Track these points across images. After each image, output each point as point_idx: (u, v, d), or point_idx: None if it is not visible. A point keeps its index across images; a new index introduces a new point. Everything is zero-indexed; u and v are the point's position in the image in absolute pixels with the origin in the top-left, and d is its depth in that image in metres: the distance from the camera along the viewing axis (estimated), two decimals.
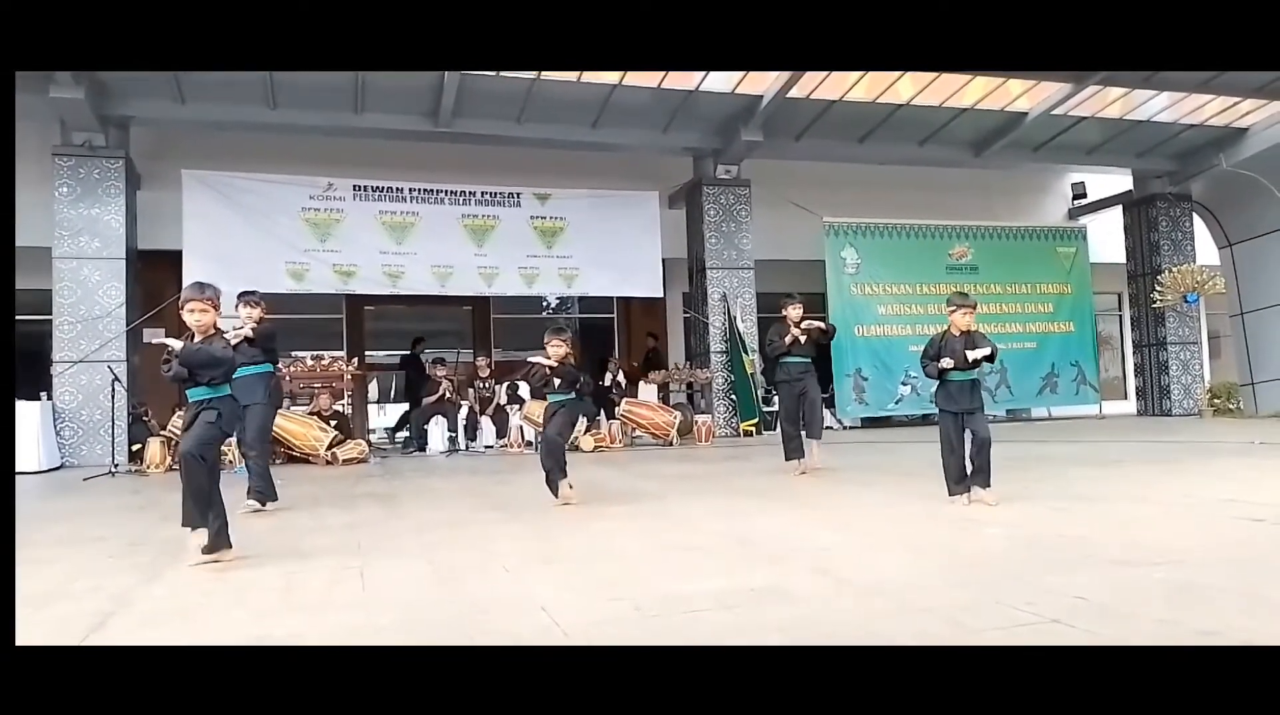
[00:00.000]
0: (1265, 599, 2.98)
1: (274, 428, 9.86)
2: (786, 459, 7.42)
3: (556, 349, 5.81)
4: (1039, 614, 2.78)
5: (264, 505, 5.78)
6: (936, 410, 5.48)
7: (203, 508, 3.97)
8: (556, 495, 5.69)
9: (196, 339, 4.09)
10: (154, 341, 4.30)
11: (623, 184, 13.73)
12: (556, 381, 5.80)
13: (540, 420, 10.48)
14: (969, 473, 5.21)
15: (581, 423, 9.97)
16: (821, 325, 7.48)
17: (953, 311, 5.35)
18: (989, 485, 5.15)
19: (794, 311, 7.33)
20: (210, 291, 4.20)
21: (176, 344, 4.04)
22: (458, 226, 12.95)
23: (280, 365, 10.16)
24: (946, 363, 5.20)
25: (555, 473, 5.70)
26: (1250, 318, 15.21)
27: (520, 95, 11.67)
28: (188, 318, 4.12)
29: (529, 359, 6.00)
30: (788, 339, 7.26)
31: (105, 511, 6.24)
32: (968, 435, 5.22)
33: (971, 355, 5.15)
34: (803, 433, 7.34)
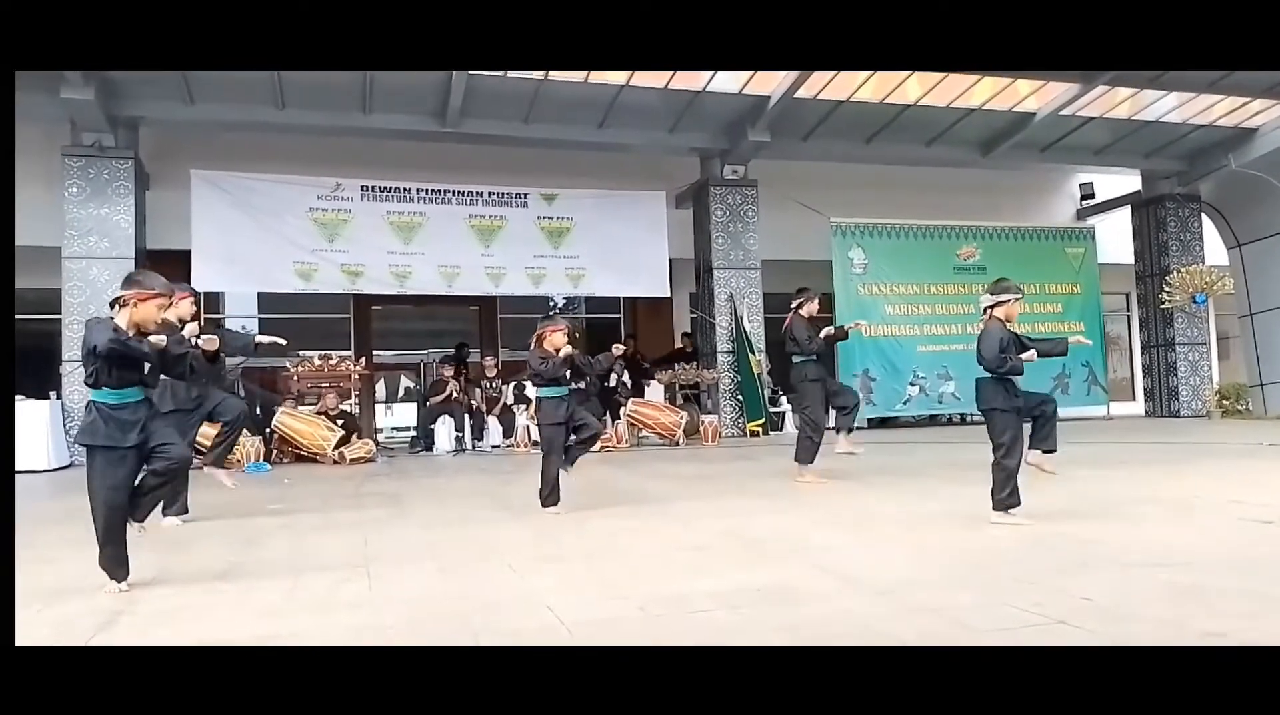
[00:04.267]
0: (1272, 600, 2.97)
1: (281, 426, 9.99)
2: (811, 462, 6.84)
3: (563, 337, 5.56)
4: (1045, 615, 2.78)
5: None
6: (990, 410, 4.86)
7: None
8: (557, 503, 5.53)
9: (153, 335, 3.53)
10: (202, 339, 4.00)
11: (629, 184, 13.71)
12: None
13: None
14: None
15: None
16: (852, 327, 8.15)
17: (1018, 299, 4.92)
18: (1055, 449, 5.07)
19: (812, 307, 7.12)
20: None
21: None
22: (465, 227, 12.96)
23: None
24: (1033, 354, 4.79)
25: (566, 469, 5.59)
26: (1259, 319, 15.14)
27: (527, 95, 11.67)
28: (165, 313, 3.74)
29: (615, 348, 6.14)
30: (823, 335, 7.00)
31: None
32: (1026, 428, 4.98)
33: (1030, 349, 4.84)
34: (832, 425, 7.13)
